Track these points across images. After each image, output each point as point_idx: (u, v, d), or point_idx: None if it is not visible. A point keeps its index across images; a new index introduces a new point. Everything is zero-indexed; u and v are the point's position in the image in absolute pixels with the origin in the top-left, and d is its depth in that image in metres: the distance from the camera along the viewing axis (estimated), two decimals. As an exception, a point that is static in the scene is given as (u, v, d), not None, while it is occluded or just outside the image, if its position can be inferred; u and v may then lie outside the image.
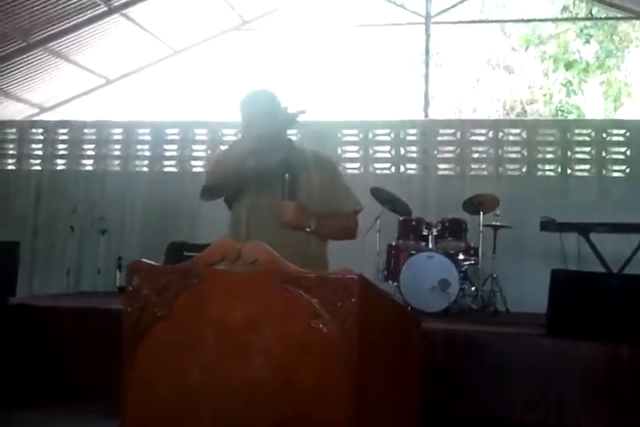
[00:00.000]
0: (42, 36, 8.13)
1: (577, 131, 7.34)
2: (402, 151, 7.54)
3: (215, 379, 1.59)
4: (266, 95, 2.62)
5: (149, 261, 1.69)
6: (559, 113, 13.33)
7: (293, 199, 2.44)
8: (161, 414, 1.61)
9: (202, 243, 6.15)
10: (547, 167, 7.35)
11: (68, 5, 7.73)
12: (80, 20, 8.07)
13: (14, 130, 8.49)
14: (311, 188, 2.55)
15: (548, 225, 5.53)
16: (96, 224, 7.18)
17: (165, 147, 8.16)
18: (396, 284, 5.52)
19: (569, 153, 7.21)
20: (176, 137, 8.17)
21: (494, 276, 5.86)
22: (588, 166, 7.23)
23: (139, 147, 8.23)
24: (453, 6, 11.19)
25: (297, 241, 2.46)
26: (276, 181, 2.46)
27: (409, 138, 7.61)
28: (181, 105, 12.33)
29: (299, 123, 2.51)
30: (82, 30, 8.25)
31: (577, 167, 7.22)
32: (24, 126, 8.58)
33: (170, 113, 11.78)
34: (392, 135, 7.60)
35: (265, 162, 2.53)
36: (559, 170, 7.22)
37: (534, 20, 13.52)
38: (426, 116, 8.67)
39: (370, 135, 7.61)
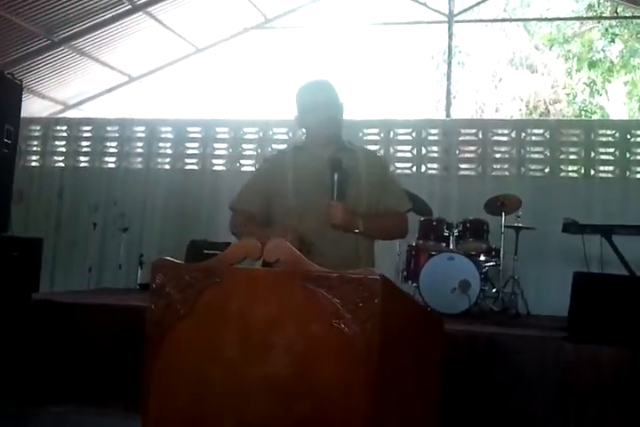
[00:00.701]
0: (66, 34, 8.21)
1: (601, 131, 7.27)
2: (423, 151, 7.52)
3: (237, 377, 1.59)
4: (327, 86, 2.59)
5: (173, 259, 1.69)
6: (583, 113, 13.21)
7: (342, 200, 2.37)
8: (183, 411, 1.62)
9: (221, 241, 6.20)
10: (570, 168, 7.30)
11: (92, 3, 7.79)
12: (104, 18, 8.14)
13: (39, 127, 8.59)
14: (360, 187, 2.49)
15: (570, 227, 5.48)
16: (117, 221, 7.24)
17: (187, 145, 8.21)
18: (415, 284, 5.51)
19: (592, 154, 7.14)
20: (197, 135, 8.22)
21: (515, 278, 5.83)
22: (611, 168, 7.17)
23: (161, 144, 8.29)
24: (476, 4, 11.14)
25: (347, 242, 2.43)
26: (326, 181, 2.38)
27: (430, 137, 7.59)
28: (203, 103, 12.40)
29: None
30: (106, 28, 8.32)
31: (600, 168, 7.15)
32: (48, 123, 8.68)
33: (192, 111, 11.85)
34: (413, 135, 7.58)
35: (316, 157, 2.49)
36: (582, 171, 7.16)
37: (558, 19, 13.42)
38: (447, 115, 8.64)
39: (391, 134, 7.60)
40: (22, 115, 5.10)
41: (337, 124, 2.54)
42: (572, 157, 7.27)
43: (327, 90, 2.56)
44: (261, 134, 7.98)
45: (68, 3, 7.59)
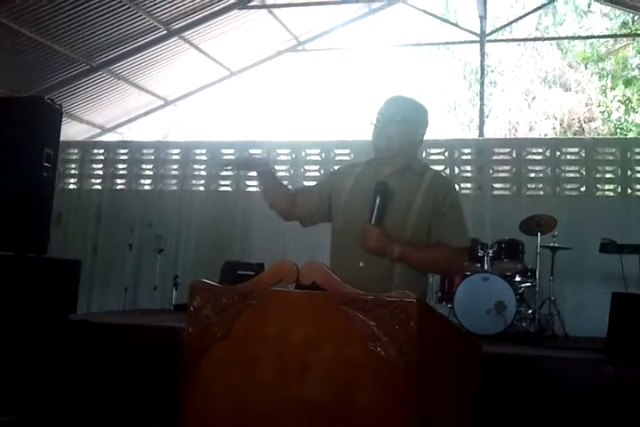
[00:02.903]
0: (104, 59, 8.41)
1: (637, 150, 7.14)
2: (456, 170, 7.48)
3: (273, 400, 1.59)
4: (405, 104, 2.50)
5: (210, 282, 1.71)
6: (618, 131, 13.06)
7: (380, 225, 2.30)
8: (220, 433, 1.63)
9: (254, 262, 6.24)
10: (606, 187, 7.19)
11: (129, 29, 7.99)
12: (141, 43, 8.34)
13: (76, 150, 8.74)
14: (410, 213, 2.37)
15: (608, 247, 5.41)
16: (153, 243, 7.32)
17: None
18: (449, 306, 5.46)
19: (629, 172, 7.03)
20: (231, 157, 8.29)
21: (552, 298, 5.74)
22: (649, 186, 7.05)
23: (195, 167, 8.38)
24: (508, 24, 11.18)
25: (381, 267, 2.33)
26: (369, 202, 2.33)
27: (464, 157, 7.55)
28: (237, 125, 12.55)
29: None
30: (142, 53, 8.51)
31: (638, 187, 7.02)
32: (86, 147, 8.84)
33: (226, 133, 11.99)
34: (446, 154, 7.55)
35: (378, 175, 2.44)
36: (619, 190, 7.05)
37: (592, 37, 13.34)
38: (480, 134, 8.61)
39: (424, 154, 7.58)
40: (61, 138, 5.22)
41: (392, 144, 2.42)
42: (608, 175, 7.16)
43: (402, 108, 2.46)
44: (294, 155, 8.03)
45: (106, 29, 7.79)
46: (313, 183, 2.81)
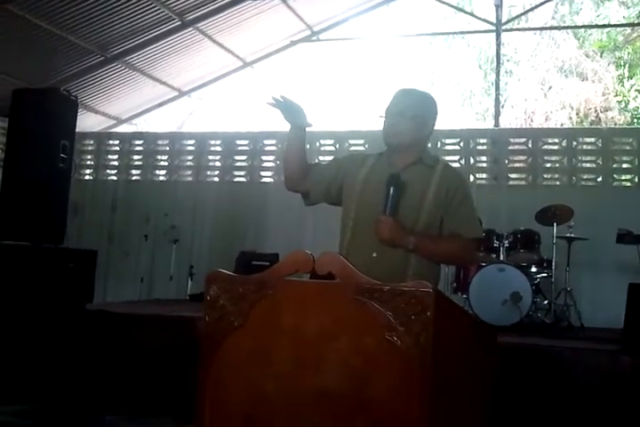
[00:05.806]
0: (119, 51, 8.41)
1: (654, 139, 7.09)
2: (472, 161, 7.45)
3: (289, 389, 1.60)
4: (414, 96, 2.51)
5: (227, 272, 1.72)
6: (635, 121, 12.92)
7: (395, 216, 2.30)
8: (236, 423, 1.64)
9: (269, 252, 6.27)
10: (623, 177, 7.14)
11: (143, 20, 7.97)
12: (155, 34, 8.32)
13: (92, 141, 8.81)
14: (423, 205, 2.37)
15: (624, 237, 5.37)
16: (168, 233, 7.36)
17: (236, 157, 8.31)
18: (465, 296, 5.45)
19: (646, 162, 6.98)
20: (246, 148, 8.32)
21: (568, 289, 5.72)
22: (666, 176, 6.98)
23: (210, 157, 8.41)
24: (524, 13, 11.07)
25: (395, 258, 2.33)
26: (383, 194, 2.32)
27: (479, 147, 7.52)
28: (251, 116, 12.55)
29: None
30: (157, 44, 8.49)
31: (655, 177, 6.98)
32: (101, 138, 8.90)
33: (240, 124, 11.98)
34: (462, 145, 7.52)
35: (392, 166, 2.44)
36: (636, 180, 7.00)
37: (609, 26, 13.19)
38: (496, 124, 8.55)
39: (439, 145, 7.55)
40: (76, 130, 5.23)
41: (402, 140, 2.43)
42: (625, 165, 7.12)
43: (411, 103, 2.46)
44: (308, 146, 7.97)
45: (121, 20, 7.78)
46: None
